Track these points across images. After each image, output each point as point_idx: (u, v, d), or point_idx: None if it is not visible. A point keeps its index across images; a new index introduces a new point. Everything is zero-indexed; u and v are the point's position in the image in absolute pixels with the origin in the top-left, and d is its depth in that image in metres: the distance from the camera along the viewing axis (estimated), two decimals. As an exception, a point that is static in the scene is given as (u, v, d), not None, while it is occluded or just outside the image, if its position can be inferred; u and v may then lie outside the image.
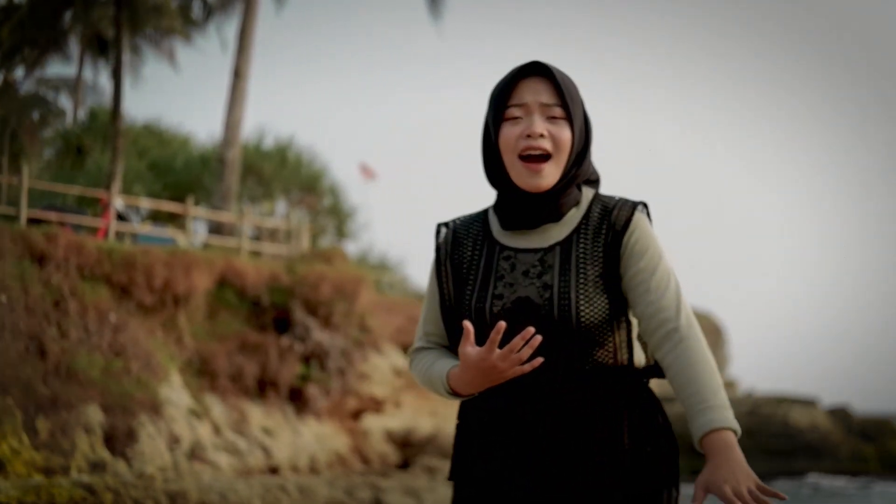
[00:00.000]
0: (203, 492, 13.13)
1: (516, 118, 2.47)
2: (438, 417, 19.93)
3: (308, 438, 16.72)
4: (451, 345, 2.60)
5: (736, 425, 2.28)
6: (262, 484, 14.15)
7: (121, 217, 18.18)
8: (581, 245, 2.47)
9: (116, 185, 18.52)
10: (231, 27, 26.43)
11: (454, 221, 2.62)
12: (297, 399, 16.96)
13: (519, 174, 2.47)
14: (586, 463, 2.40)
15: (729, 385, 31.48)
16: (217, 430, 15.26)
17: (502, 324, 2.29)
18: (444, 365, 2.51)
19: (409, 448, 18.67)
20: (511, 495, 2.44)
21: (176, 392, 14.84)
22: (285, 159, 26.02)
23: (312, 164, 26.63)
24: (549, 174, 2.45)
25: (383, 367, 18.80)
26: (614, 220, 2.48)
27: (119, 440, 13.50)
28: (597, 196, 2.54)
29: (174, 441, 14.25)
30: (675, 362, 2.34)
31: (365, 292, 18.25)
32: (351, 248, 25.60)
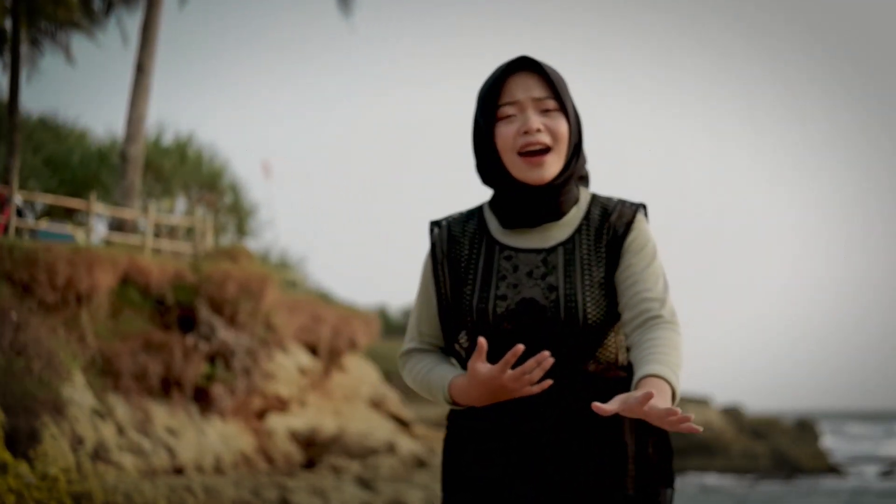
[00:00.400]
0: (108, 493, 12.91)
1: (510, 116, 2.46)
2: (343, 417, 19.89)
3: (213, 438, 16.54)
4: (447, 345, 2.58)
5: (678, 387, 2.29)
6: (167, 484, 13.96)
7: (19, 213, 17.76)
8: (584, 246, 2.47)
9: (15, 180, 18.10)
10: (132, 21, 25.97)
11: (447, 220, 2.59)
12: (202, 399, 16.75)
13: (521, 170, 2.45)
14: (588, 464, 2.41)
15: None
16: (121, 430, 15.00)
17: (520, 347, 2.25)
18: (444, 372, 2.49)
19: (313, 448, 18.59)
20: (512, 500, 2.42)
21: (79, 392, 14.54)
22: (185, 156, 25.67)
23: (213, 161, 26.33)
24: (552, 165, 2.45)
25: (288, 366, 18.68)
26: (615, 221, 2.49)
27: (21, 441, 13.18)
28: (595, 197, 2.55)
29: (77, 442, 13.97)
30: (646, 339, 2.35)
31: (270, 291, 18.11)
32: (252, 245, 25.36)
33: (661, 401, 2.19)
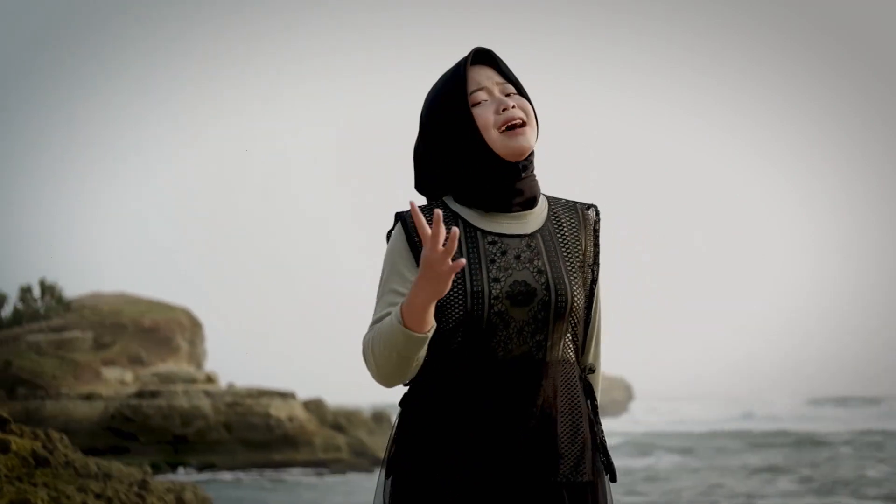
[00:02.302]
0: None
1: (482, 101, 2.63)
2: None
3: None
4: None
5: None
6: None
7: None
8: (558, 236, 2.65)
9: None
10: None
11: (417, 210, 2.45)
12: None
13: (505, 144, 2.60)
14: (553, 449, 2.54)
15: (209, 380, 31.57)
16: None
17: (455, 230, 2.32)
18: (394, 310, 2.50)
19: None
20: (486, 484, 2.52)
21: None
22: None
23: None
24: (530, 136, 2.62)
25: None
26: (583, 218, 2.70)
27: None
28: (549, 197, 2.73)
29: None
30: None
31: None
32: None
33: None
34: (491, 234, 2.59)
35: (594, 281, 2.68)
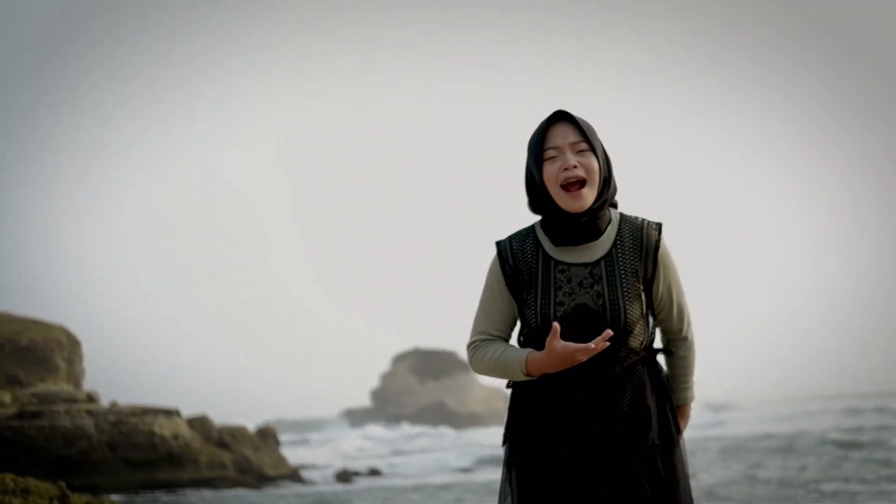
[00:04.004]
0: None
1: (552, 157, 3.20)
2: None
3: None
4: (507, 335, 3.31)
5: (693, 397, 3.44)
6: None
7: None
8: (620, 260, 3.22)
9: None
10: None
11: (509, 238, 3.31)
12: None
13: (563, 200, 3.20)
14: (622, 421, 3.21)
15: (90, 399, 30.98)
16: None
17: (555, 327, 3.09)
18: (517, 351, 3.21)
19: None
20: (565, 450, 3.20)
21: None
22: None
23: None
24: (587, 196, 3.18)
25: None
26: (646, 239, 3.25)
27: None
28: (623, 216, 3.28)
29: None
30: (680, 358, 3.40)
31: None
32: None
33: (683, 421, 3.44)
34: (561, 262, 3.23)
35: (651, 289, 3.26)
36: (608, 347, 3.14)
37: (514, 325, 3.33)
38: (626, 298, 3.18)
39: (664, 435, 3.27)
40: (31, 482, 8.94)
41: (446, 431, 62.54)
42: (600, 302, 3.17)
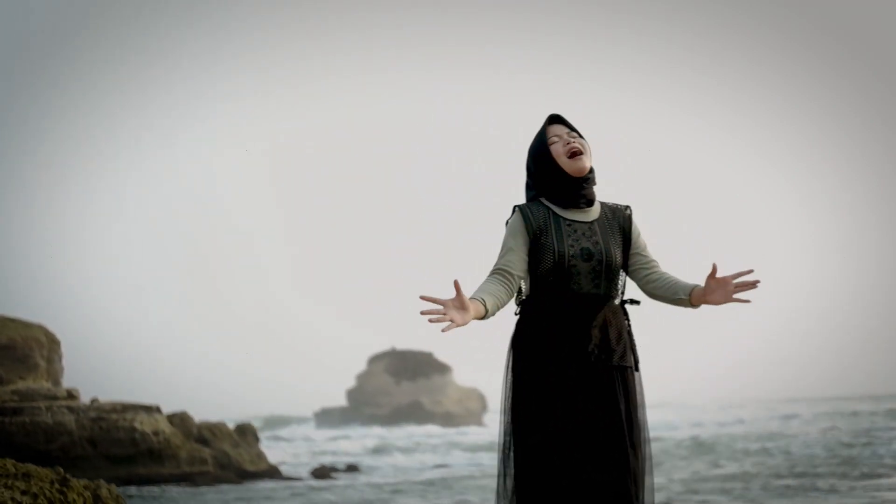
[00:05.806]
0: None
1: (556, 141, 4.44)
2: None
3: None
4: (517, 270, 4.37)
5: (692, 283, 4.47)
6: None
7: None
8: (606, 224, 4.47)
9: None
10: None
11: (525, 204, 4.46)
12: None
13: (569, 165, 4.42)
14: (612, 345, 4.36)
15: (71, 396, 31.18)
16: None
17: (456, 282, 4.14)
18: (476, 292, 4.28)
19: None
20: (565, 369, 4.28)
21: None
22: None
23: None
24: (586, 161, 4.43)
25: None
26: (620, 213, 4.52)
27: None
28: (602, 201, 4.51)
29: None
30: (661, 277, 4.48)
31: None
32: None
33: (707, 292, 4.40)
34: (567, 220, 4.44)
35: (629, 243, 4.51)
36: (602, 287, 4.34)
37: (523, 266, 4.36)
38: (614, 247, 4.40)
39: (636, 359, 4.44)
40: (31, 467, 9.27)
41: (421, 430, 62.89)
42: (598, 247, 4.38)
